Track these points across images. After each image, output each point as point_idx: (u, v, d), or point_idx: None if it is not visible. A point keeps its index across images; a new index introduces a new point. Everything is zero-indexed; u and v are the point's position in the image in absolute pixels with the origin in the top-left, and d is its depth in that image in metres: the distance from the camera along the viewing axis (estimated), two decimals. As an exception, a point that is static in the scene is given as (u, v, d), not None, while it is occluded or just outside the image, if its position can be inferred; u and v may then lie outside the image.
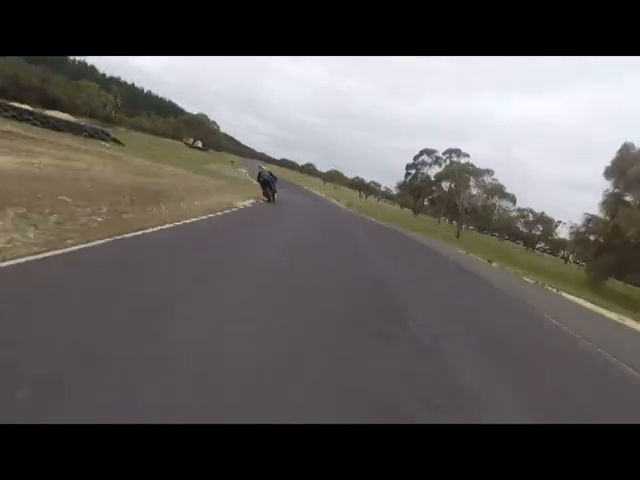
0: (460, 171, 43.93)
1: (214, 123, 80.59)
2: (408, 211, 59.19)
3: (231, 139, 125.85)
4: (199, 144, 69.84)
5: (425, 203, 57.23)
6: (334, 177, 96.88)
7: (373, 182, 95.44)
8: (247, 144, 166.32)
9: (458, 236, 38.05)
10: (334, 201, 35.66)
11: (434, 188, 49.53)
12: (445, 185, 47.41)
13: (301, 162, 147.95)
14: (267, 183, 13.76)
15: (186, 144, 64.62)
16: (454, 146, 48.27)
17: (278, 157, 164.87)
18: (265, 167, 14.73)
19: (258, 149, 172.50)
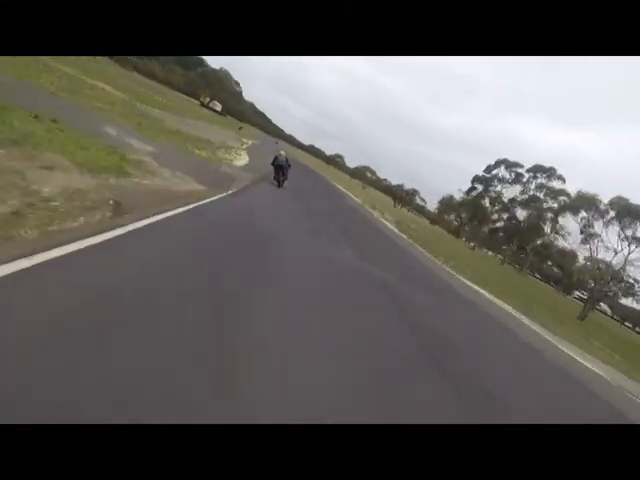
0: (550, 198, 31.34)
1: (237, 84, 71.20)
2: (442, 233, 44.06)
3: (261, 114, 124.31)
4: (217, 106, 60.75)
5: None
6: (362, 175, 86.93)
7: (414, 190, 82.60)
8: (277, 123, 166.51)
9: (583, 319, 23.66)
10: (372, 211, 25.67)
11: (504, 215, 37.15)
12: (521, 213, 35.45)
13: (329, 152, 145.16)
14: (281, 168, 13.85)
15: (202, 104, 56.45)
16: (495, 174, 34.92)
17: (307, 142, 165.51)
18: (282, 152, 14.63)
19: (287, 131, 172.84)
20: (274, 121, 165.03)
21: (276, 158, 14.00)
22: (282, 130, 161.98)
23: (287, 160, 14.21)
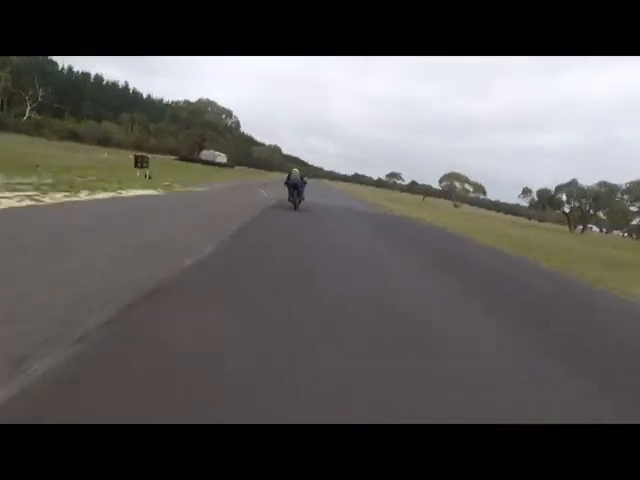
0: None
1: (230, 117, 55.35)
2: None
3: (295, 159, 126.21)
4: (220, 157, 45.08)
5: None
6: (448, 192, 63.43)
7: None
8: (314, 164, 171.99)
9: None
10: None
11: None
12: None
13: (376, 175, 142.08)
14: (295, 187, 12.60)
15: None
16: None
17: (350, 173, 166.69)
18: (296, 170, 13.68)
19: (326, 168, 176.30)
20: (310, 162, 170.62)
21: (289, 176, 12.84)
22: (321, 168, 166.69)
23: (302, 177, 13.03)
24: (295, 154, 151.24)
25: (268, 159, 74.77)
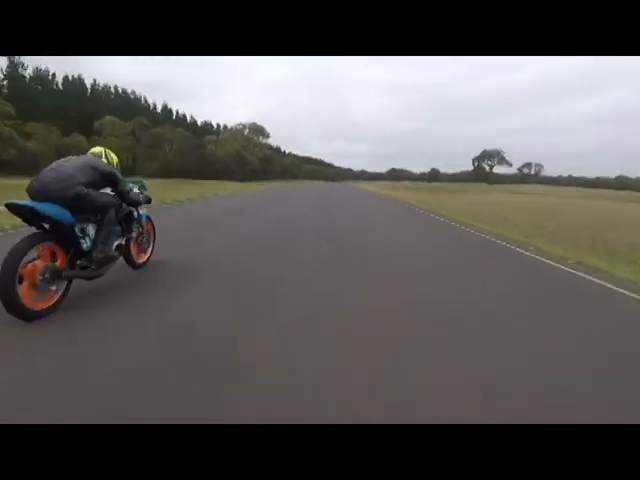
0: None
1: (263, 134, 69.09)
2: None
3: (320, 162, 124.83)
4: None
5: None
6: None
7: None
8: (340, 165, 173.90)
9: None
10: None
11: None
12: None
13: (417, 169, 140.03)
14: (119, 224, 3.37)
15: None
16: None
17: (383, 170, 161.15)
18: (96, 150, 3.47)
19: (355, 169, 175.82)
20: (336, 164, 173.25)
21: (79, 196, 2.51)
22: (350, 169, 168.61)
23: (134, 188, 3.71)
24: (322, 158, 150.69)
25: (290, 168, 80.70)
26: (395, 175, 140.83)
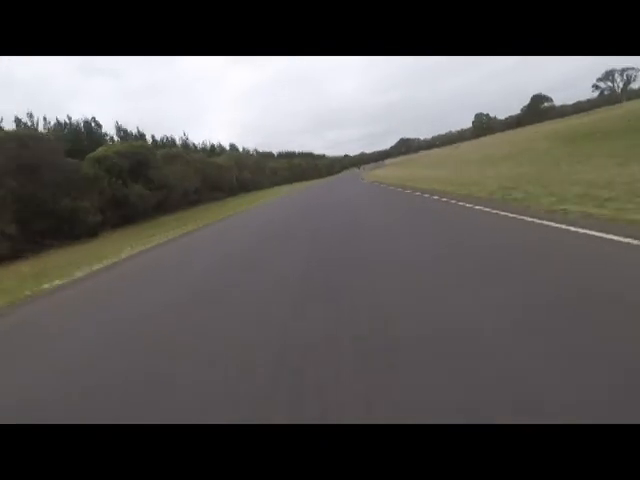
0: None
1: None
2: None
3: (308, 154, 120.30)
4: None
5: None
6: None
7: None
8: (336, 154, 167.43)
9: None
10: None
11: None
12: None
13: (423, 137, 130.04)
14: None
15: None
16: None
17: (387, 146, 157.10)
18: None
19: (352, 154, 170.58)
20: (333, 154, 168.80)
21: None
22: (347, 155, 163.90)
23: None
24: (314, 151, 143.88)
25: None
26: (408, 147, 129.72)
